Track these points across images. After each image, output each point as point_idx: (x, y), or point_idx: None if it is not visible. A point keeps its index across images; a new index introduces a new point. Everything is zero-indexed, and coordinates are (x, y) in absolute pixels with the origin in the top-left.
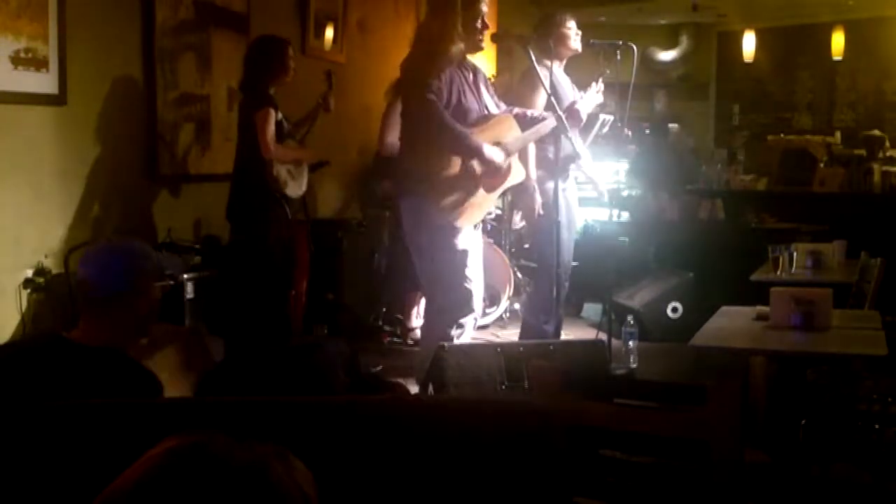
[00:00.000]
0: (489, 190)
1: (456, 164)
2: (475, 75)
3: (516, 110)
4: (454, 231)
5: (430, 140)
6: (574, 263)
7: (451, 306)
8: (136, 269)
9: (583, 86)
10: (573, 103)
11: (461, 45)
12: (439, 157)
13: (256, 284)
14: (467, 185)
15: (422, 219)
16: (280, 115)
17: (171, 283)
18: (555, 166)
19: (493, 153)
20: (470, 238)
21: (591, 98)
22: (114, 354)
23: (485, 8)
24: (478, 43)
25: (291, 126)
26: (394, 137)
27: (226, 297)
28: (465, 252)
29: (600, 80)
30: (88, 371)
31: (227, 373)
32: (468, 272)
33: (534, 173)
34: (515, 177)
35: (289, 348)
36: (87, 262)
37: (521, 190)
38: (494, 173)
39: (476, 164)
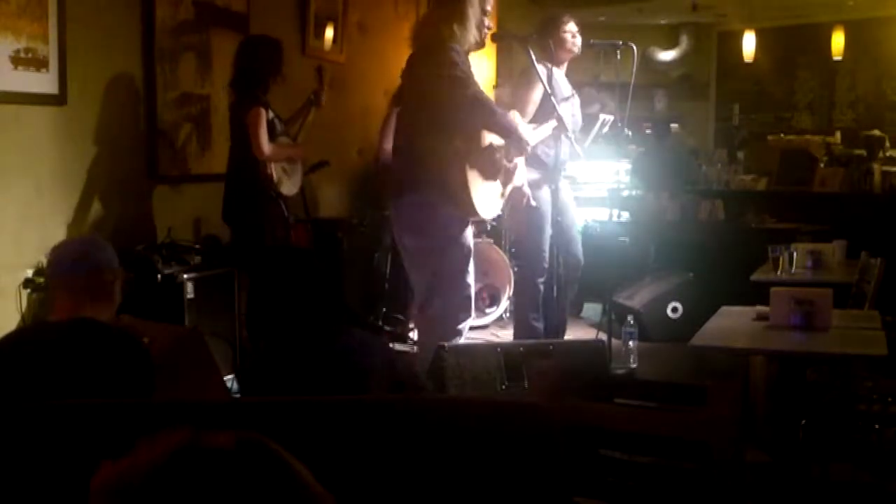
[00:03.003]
0: (504, 184)
1: (484, 154)
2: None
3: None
4: (463, 231)
5: (460, 120)
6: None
7: (452, 312)
8: (103, 254)
9: (580, 87)
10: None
11: (471, 42)
12: (472, 143)
13: (255, 284)
14: (492, 174)
15: (433, 215)
16: (272, 114)
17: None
18: (553, 167)
19: (525, 133)
20: (471, 242)
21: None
22: (85, 322)
23: (489, 7)
24: (482, 40)
25: (284, 125)
26: (391, 145)
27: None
28: (469, 255)
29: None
30: (65, 342)
31: (268, 366)
32: (469, 278)
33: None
34: (520, 178)
35: (332, 349)
36: (61, 249)
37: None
38: (509, 166)
39: (504, 154)
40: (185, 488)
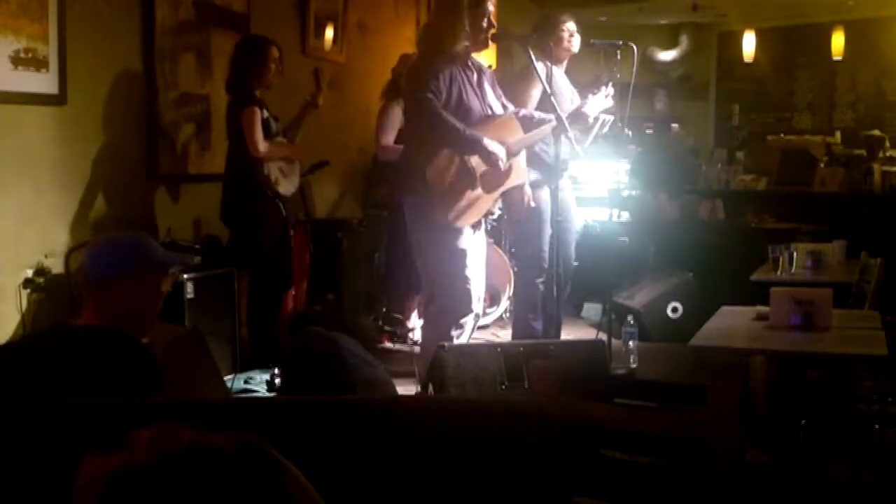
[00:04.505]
0: (489, 190)
1: (454, 163)
2: (479, 75)
3: (522, 112)
4: (453, 231)
5: (428, 138)
6: (574, 263)
7: (451, 307)
8: (126, 258)
9: (583, 86)
10: (581, 106)
11: (465, 44)
12: (437, 156)
13: (254, 284)
14: (466, 184)
15: (422, 218)
16: (266, 114)
17: (175, 277)
18: (554, 167)
19: (494, 145)
20: (470, 238)
21: (599, 101)
22: (108, 332)
23: (491, 7)
24: (484, 41)
25: (282, 126)
26: (389, 140)
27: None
28: (464, 252)
29: (610, 84)
30: (84, 349)
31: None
32: (468, 272)
33: (525, 171)
34: (517, 178)
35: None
36: (87, 251)
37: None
38: (494, 171)
39: (475, 163)
40: (181, 487)
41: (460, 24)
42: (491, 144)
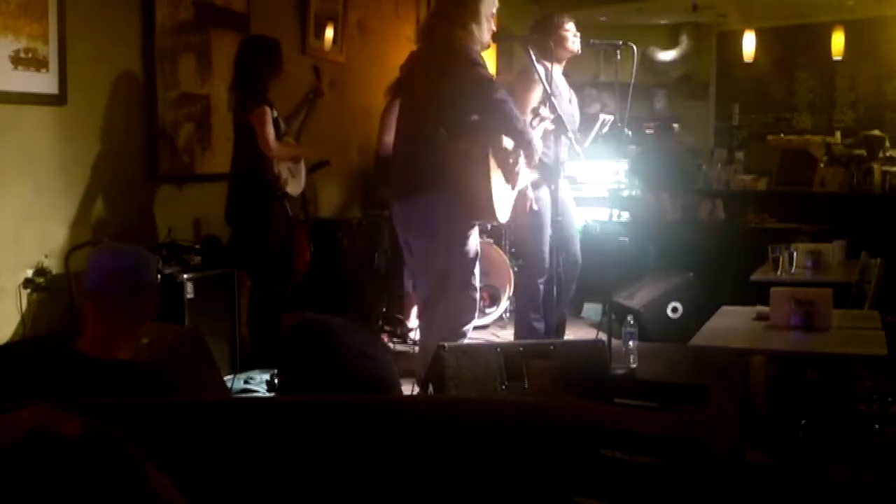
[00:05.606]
0: (513, 186)
1: (510, 156)
2: None
3: None
4: (466, 233)
5: (488, 121)
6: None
7: (457, 313)
8: (152, 270)
9: (579, 87)
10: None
11: (486, 39)
12: (496, 145)
13: (257, 284)
14: (510, 179)
15: (442, 216)
16: (275, 114)
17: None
18: (553, 167)
19: (538, 142)
20: (476, 242)
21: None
22: (130, 368)
23: (494, 10)
24: (487, 41)
25: (286, 124)
26: (391, 137)
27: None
28: (476, 257)
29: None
30: (106, 388)
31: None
32: (474, 280)
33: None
34: (525, 177)
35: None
36: (89, 259)
37: None
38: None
39: (520, 157)
40: (20, 472)
41: (480, 21)
42: (537, 141)
